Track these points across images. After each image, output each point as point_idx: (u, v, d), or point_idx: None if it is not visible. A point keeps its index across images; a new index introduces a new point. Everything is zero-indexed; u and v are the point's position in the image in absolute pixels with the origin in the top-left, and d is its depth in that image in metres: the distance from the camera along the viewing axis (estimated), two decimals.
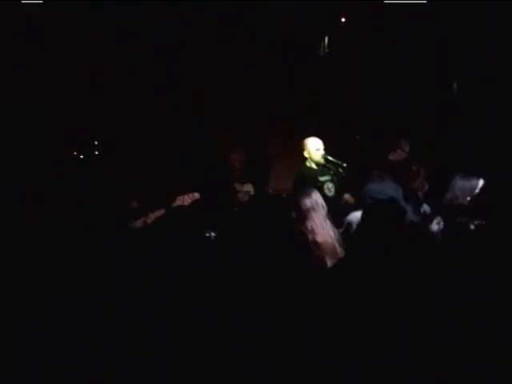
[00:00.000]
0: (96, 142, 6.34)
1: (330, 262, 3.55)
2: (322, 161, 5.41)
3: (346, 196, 5.40)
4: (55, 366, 2.72)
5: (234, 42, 6.69)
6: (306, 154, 5.44)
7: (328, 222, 3.85)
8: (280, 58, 6.85)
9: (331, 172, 5.47)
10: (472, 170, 4.12)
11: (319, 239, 3.69)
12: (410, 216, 3.98)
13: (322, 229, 3.76)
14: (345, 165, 5.40)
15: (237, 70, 6.79)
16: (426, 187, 4.76)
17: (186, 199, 4.71)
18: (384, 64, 6.82)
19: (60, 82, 6.14)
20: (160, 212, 4.51)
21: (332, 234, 3.78)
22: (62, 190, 4.89)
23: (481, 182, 3.95)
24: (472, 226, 3.38)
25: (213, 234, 4.23)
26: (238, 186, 5.60)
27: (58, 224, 3.98)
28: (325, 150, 5.46)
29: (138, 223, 4.44)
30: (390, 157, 5.74)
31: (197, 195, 4.77)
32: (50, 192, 4.78)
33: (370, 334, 2.43)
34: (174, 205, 4.62)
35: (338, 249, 3.70)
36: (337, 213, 4.71)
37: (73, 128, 6.18)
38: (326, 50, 6.80)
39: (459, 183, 4.05)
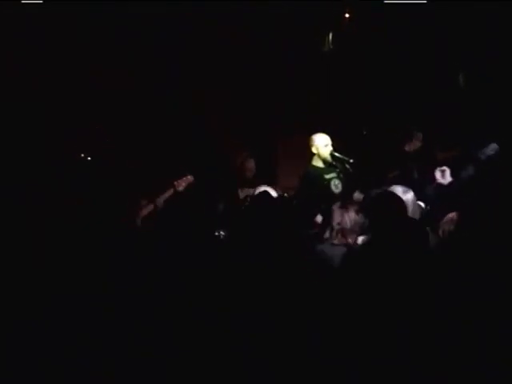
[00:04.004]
0: (96, 142, 6.34)
1: None
2: (329, 157, 5.41)
3: (356, 195, 5.40)
4: (55, 366, 2.72)
5: (234, 42, 6.68)
6: (314, 150, 5.43)
7: None
8: (280, 58, 6.85)
9: (337, 169, 5.48)
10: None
11: None
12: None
13: None
14: (351, 161, 5.42)
15: (237, 70, 6.78)
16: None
17: (181, 183, 4.75)
18: (384, 64, 6.82)
19: (60, 82, 6.13)
20: (161, 199, 4.58)
21: None
22: (62, 190, 4.89)
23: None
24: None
25: (222, 233, 4.28)
26: (248, 191, 5.56)
27: (58, 224, 3.98)
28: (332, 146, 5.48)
29: (144, 213, 4.51)
30: (406, 148, 5.82)
31: (190, 178, 4.81)
32: (50, 192, 4.78)
33: (371, 334, 2.43)
34: (171, 191, 4.69)
35: None
36: None
37: (73, 128, 6.18)
38: (331, 47, 6.77)
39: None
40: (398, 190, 3.71)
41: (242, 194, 5.57)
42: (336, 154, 5.45)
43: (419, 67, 6.65)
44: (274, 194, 4.37)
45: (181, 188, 4.75)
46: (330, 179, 5.41)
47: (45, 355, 2.79)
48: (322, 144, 5.40)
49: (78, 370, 2.70)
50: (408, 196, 3.71)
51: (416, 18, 6.35)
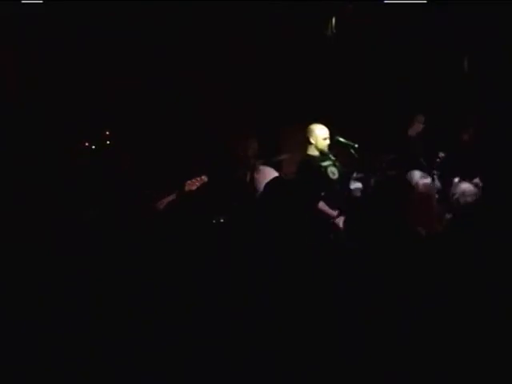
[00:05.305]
0: (100, 141, 6.36)
1: None
2: (326, 149, 5.49)
3: (352, 183, 5.43)
4: (56, 366, 2.72)
5: (235, 39, 6.68)
6: (312, 141, 5.49)
7: None
8: (283, 47, 6.84)
9: (332, 158, 5.54)
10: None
11: None
12: None
13: None
14: (356, 145, 5.47)
15: (238, 59, 6.76)
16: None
17: (195, 183, 4.80)
18: (384, 63, 6.82)
19: (60, 82, 6.14)
20: (171, 197, 4.63)
21: None
22: (64, 189, 4.90)
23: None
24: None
25: (221, 219, 4.32)
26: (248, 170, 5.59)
27: (59, 223, 3.99)
28: (336, 131, 5.54)
29: (151, 209, 4.54)
30: (410, 132, 5.87)
31: (204, 178, 4.87)
32: (52, 192, 4.79)
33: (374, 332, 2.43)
34: (184, 190, 4.73)
35: None
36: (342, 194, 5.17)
37: (73, 128, 6.19)
38: (334, 31, 6.77)
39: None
40: (416, 174, 3.64)
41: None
42: (341, 139, 5.52)
43: (419, 67, 6.66)
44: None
45: (194, 187, 4.80)
46: (327, 167, 5.47)
47: (45, 355, 2.80)
48: (321, 136, 5.47)
49: (79, 370, 2.70)
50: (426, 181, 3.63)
51: (416, 18, 6.36)
